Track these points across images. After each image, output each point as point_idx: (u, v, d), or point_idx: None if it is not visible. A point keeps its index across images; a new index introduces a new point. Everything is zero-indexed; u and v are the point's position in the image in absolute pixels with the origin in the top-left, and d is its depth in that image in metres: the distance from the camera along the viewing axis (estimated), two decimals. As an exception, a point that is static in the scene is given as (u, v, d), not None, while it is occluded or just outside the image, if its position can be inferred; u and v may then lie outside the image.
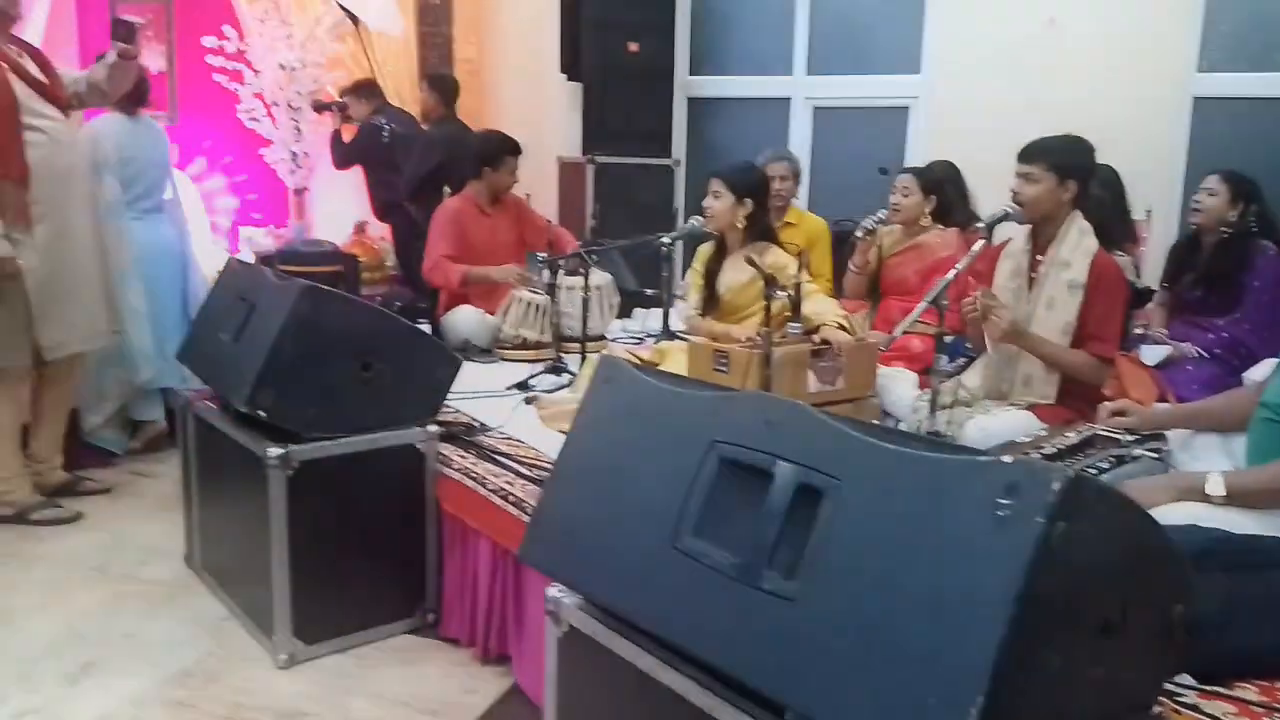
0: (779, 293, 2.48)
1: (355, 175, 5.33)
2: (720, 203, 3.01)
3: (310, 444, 2.35)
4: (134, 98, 3.60)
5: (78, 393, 3.52)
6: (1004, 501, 0.93)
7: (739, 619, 1.12)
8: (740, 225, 3.01)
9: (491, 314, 3.73)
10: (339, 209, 5.76)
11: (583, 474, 1.47)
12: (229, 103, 5.63)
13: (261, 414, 2.31)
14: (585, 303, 3.29)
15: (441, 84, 5.02)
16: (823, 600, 1.04)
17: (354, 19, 5.25)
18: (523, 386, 3.16)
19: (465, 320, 3.67)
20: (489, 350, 3.67)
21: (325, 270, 4.03)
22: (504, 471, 2.45)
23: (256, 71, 5.53)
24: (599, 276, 3.68)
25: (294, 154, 5.64)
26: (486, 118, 5.69)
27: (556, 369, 3.29)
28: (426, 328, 3.48)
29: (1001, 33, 4.69)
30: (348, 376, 2.41)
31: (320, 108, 5.33)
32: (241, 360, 2.43)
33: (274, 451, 2.29)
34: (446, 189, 4.78)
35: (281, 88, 5.53)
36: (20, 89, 3.00)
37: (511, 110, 5.78)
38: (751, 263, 2.58)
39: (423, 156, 4.85)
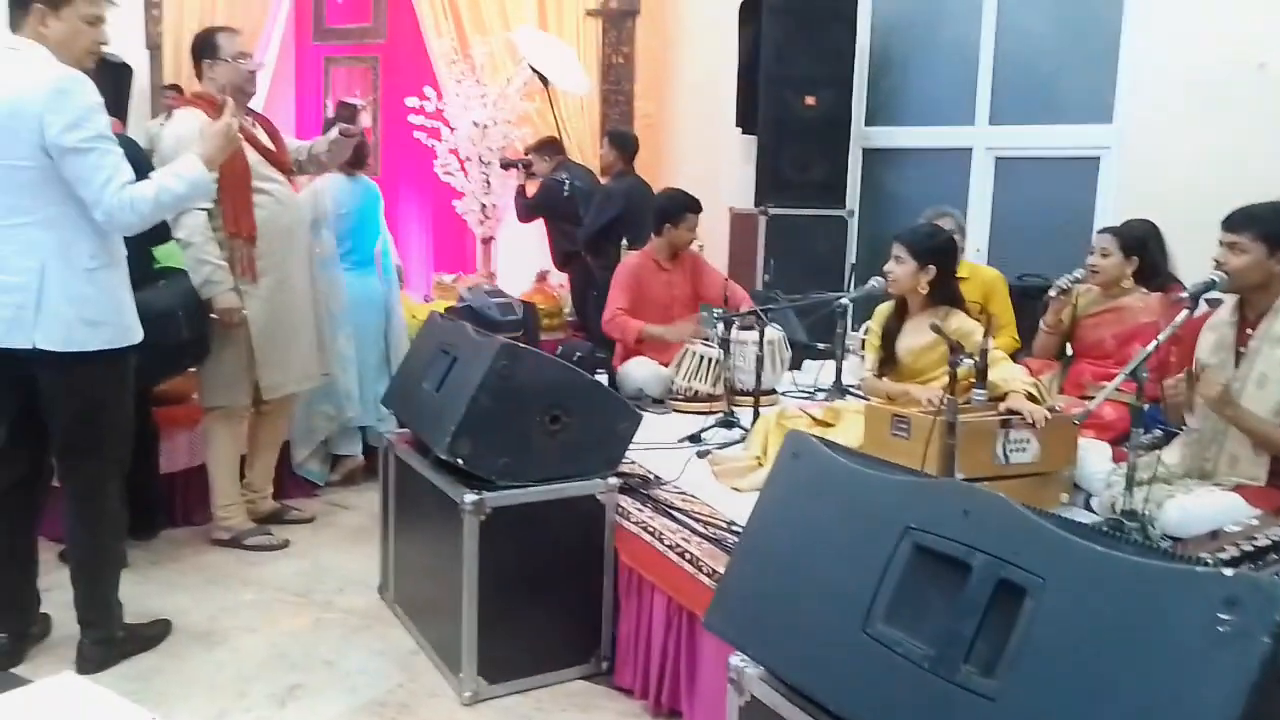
0: (965, 360, 2.44)
1: (537, 226, 5.60)
2: (903, 268, 2.99)
3: (501, 491, 2.49)
4: (354, 160, 3.93)
5: (289, 428, 3.83)
6: (1225, 617, 0.91)
7: (932, 710, 1.13)
8: (923, 290, 2.98)
9: (665, 365, 3.81)
10: (522, 258, 6.05)
11: (770, 548, 1.50)
12: (427, 157, 6.03)
13: (459, 461, 2.47)
14: (759, 360, 3.32)
15: (622, 140, 5.21)
16: (1025, 702, 1.03)
17: (544, 80, 5.53)
18: (695, 439, 3.22)
19: (640, 371, 3.78)
20: (662, 401, 3.76)
21: (509, 320, 4.26)
22: (680, 528, 2.50)
23: (452, 129, 5.90)
24: (772, 331, 3.71)
25: (483, 205, 5.97)
26: (662, 170, 5.85)
27: (728, 423, 3.33)
28: (604, 377, 3.61)
29: (1204, 78, 4.45)
30: (538, 428, 2.54)
31: (507, 165, 5.63)
32: (443, 410, 2.59)
33: (470, 498, 2.43)
34: (624, 241, 4.95)
35: (474, 144, 5.88)
36: (252, 156, 3.33)
37: (686, 163, 5.93)
38: (937, 329, 2.55)
39: (601, 209, 5.03)
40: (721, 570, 2.18)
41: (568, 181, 5.24)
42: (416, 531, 2.86)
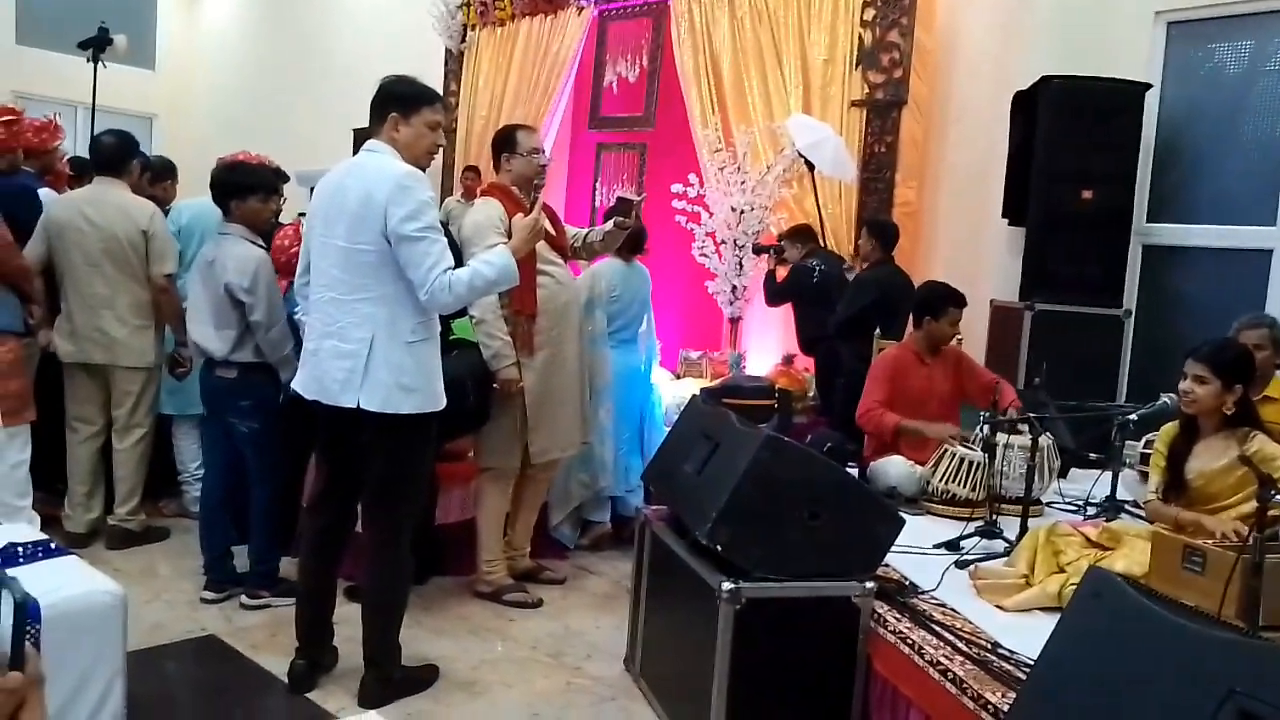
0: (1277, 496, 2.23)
1: (783, 310, 5.66)
2: (1205, 389, 2.78)
3: (758, 583, 2.52)
4: (631, 246, 4.17)
5: (549, 491, 4.05)
6: None
7: None
8: (1228, 411, 2.77)
9: (921, 464, 3.72)
10: (767, 339, 6.12)
11: (1066, 694, 1.44)
12: (684, 239, 6.27)
13: (718, 548, 2.53)
14: (1031, 471, 3.18)
15: (883, 230, 5.20)
16: None
17: (811, 166, 5.63)
18: (953, 546, 3.11)
19: (894, 468, 3.71)
20: (915, 501, 3.66)
21: (761, 404, 4.32)
22: (941, 644, 2.42)
23: (711, 213, 6.11)
24: (1042, 438, 3.54)
25: (734, 287, 6.11)
26: (920, 260, 5.77)
27: (990, 532, 3.20)
28: (854, 471, 3.58)
29: None
30: (796, 523, 2.56)
31: (759, 250, 5.74)
32: (704, 494, 2.67)
33: (727, 586, 2.48)
34: (877, 331, 4.90)
35: (730, 228, 6.06)
36: (539, 244, 3.61)
37: (946, 253, 5.82)
38: (1247, 461, 2.36)
39: (855, 297, 5.02)
40: (987, 695, 2.11)
41: (817, 268, 5.27)
42: (668, 610, 2.94)
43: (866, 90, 5.84)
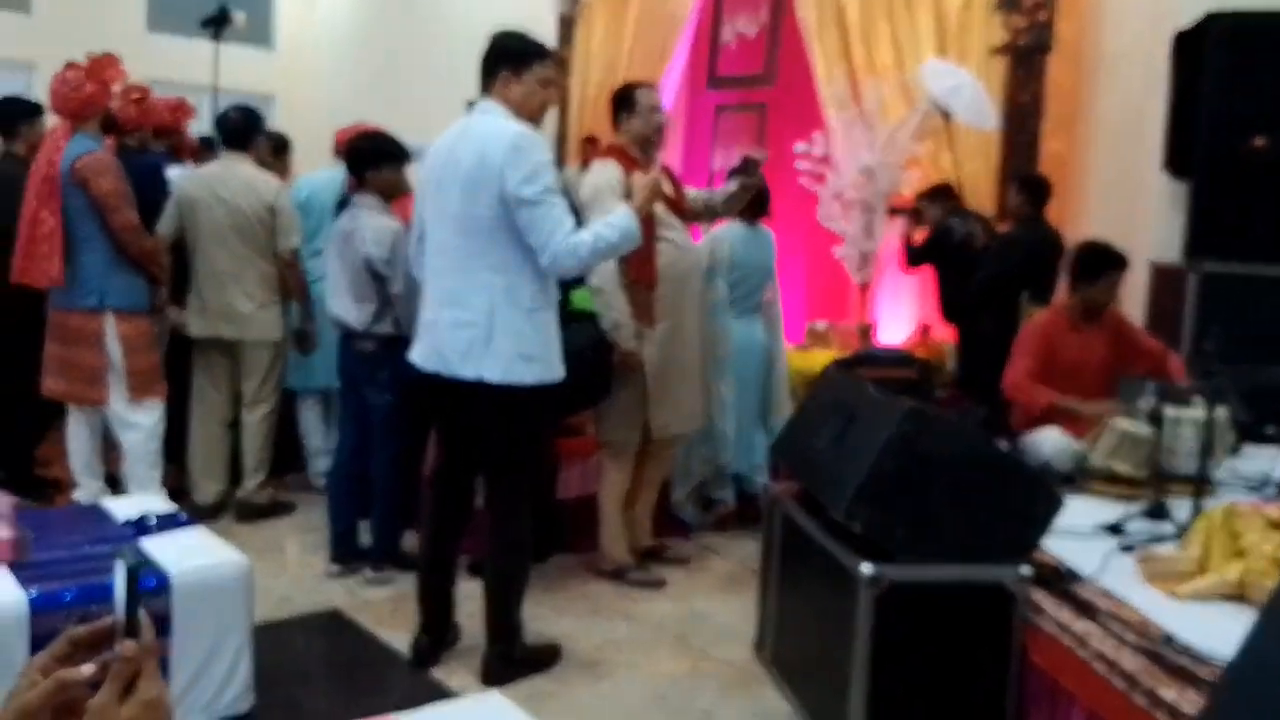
0: None
1: (917, 277, 5.35)
2: None
3: (900, 565, 2.31)
4: (754, 208, 3.97)
5: (671, 468, 3.92)
6: None
7: None
8: None
9: (1078, 437, 3.42)
10: (899, 307, 5.82)
11: (1273, 703, 1.20)
12: (808, 202, 6.00)
13: (856, 527, 2.33)
14: (1206, 446, 2.86)
15: (1033, 186, 4.83)
16: None
17: (947, 116, 5.29)
18: (1116, 530, 2.83)
19: (1048, 443, 3.40)
20: (1072, 479, 3.36)
21: (900, 375, 4.05)
22: (1106, 635, 2.18)
23: (837, 174, 5.82)
24: (1218, 411, 3.19)
25: (863, 252, 5.82)
26: (1069, 217, 5.35)
27: (1157, 513, 2.89)
28: (1004, 445, 3.31)
29: None
30: (943, 501, 2.34)
31: (895, 212, 5.44)
32: (840, 469, 2.48)
33: (867, 570, 2.28)
34: (1024, 295, 4.57)
35: (859, 188, 5.76)
36: (658, 207, 3.46)
37: (1098, 210, 5.38)
38: None
39: (1001, 258, 4.69)
40: (1161, 692, 1.88)
41: (959, 228, 4.95)
42: (800, 593, 2.76)
43: (1007, 35, 5.43)
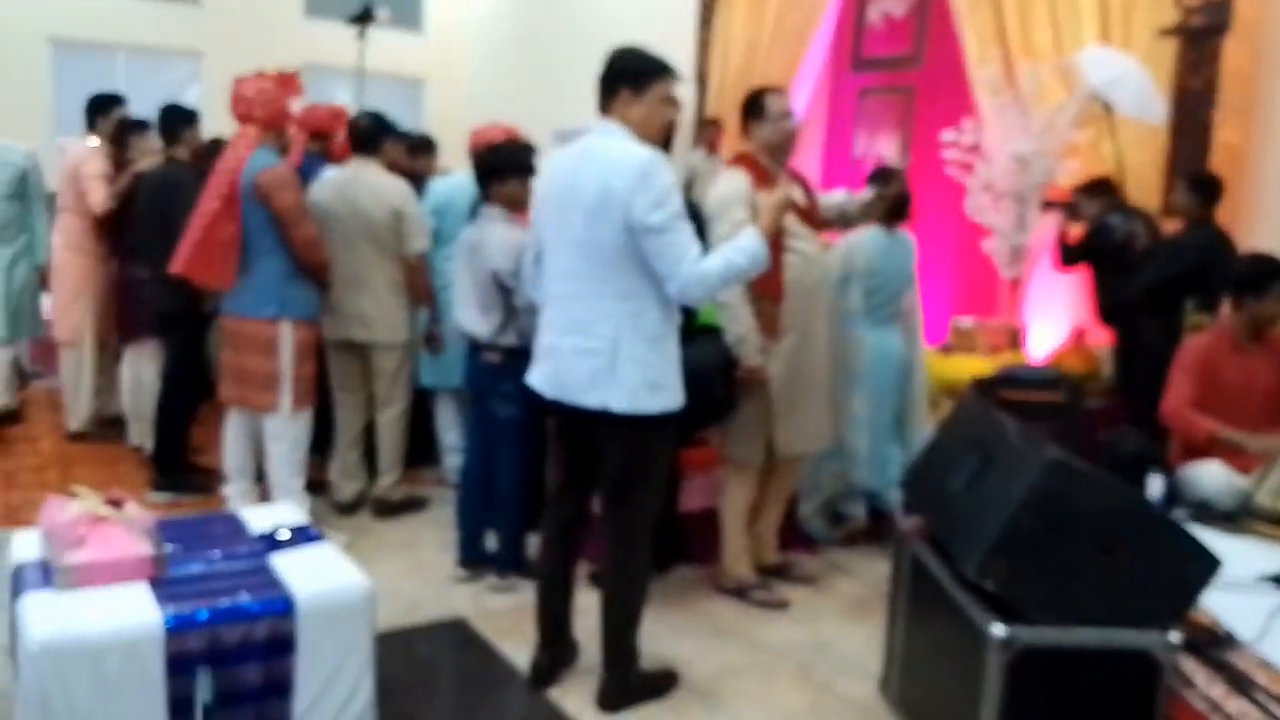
0: None
1: (1072, 276, 5.02)
2: None
3: (1035, 628, 2.17)
4: (893, 213, 3.80)
5: (798, 483, 3.82)
6: None
7: None
8: None
9: (1243, 473, 3.14)
10: (1054, 307, 5.48)
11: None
12: (955, 193, 5.71)
13: (989, 585, 2.20)
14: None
15: (1203, 186, 4.43)
16: None
17: (1108, 106, 4.92)
18: (1283, 583, 2.58)
19: (1210, 478, 3.14)
20: (1233, 517, 3.09)
21: (1046, 399, 3.80)
22: (1265, 717, 1.99)
23: (988, 163, 5.51)
24: None
25: (1014, 246, 5.50)
26: (1243, 217, 4.89)
27: (1336, 566, 2.63)
28: (1157, 483, 3.07)
29: None
30: (1086, 560, 2.18)
31: (1050, 206, 5.11)
32: (973, 520, 2.34)
33: (999, 632, 2.16)
34: (1188, 303, 4.22)
35: (1010, 179, 5.44)
36: (787, 217, 3.33)
37: (1276, 208, 4.90)
38: None
39: (1166, 261, 4.33)
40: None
41: (1120, 227, 4.60)
42: (929, 639, 2.64)
43: (1179, 15, 4.98)
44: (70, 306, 4.75)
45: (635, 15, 8.54)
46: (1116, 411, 4.51)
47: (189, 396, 4.23)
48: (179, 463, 4.20)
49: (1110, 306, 4.72)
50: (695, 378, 3.07)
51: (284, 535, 2.59)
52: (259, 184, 3.46)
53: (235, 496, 3.76)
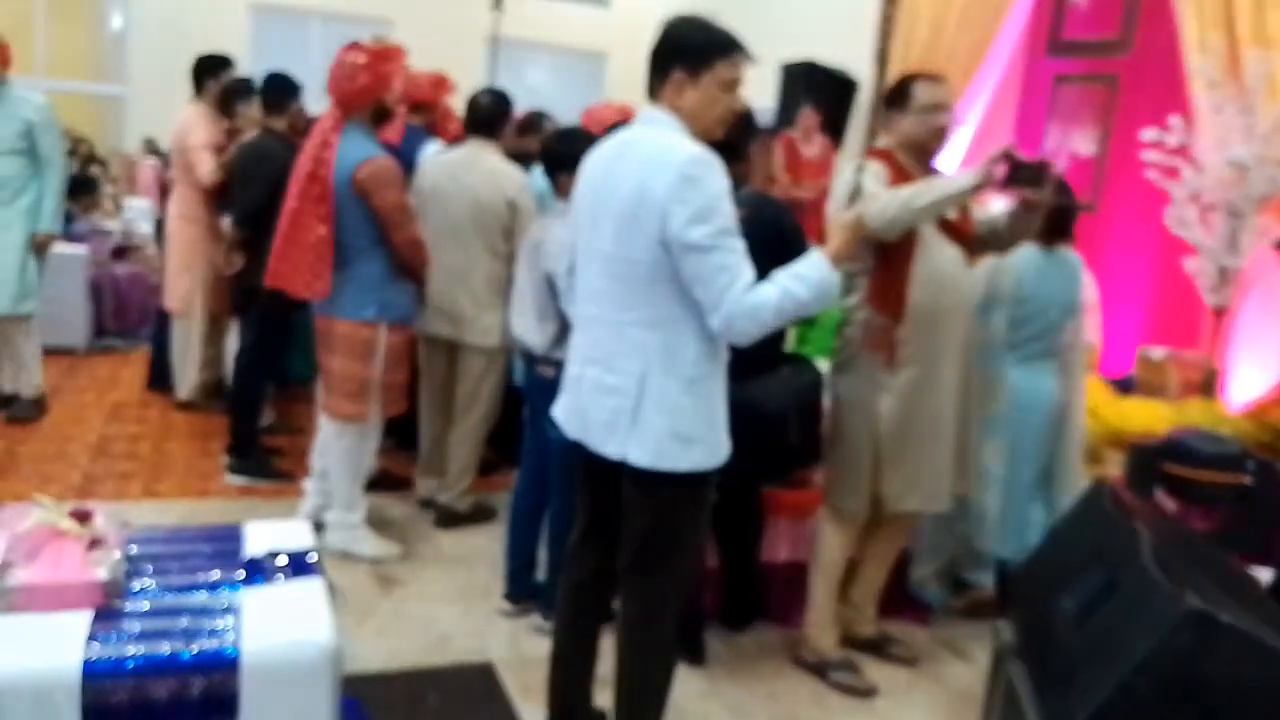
0: None
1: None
2: None
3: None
4: (1056, 230, 3.13)
5: (911, 537, 3.24)
6: None
7: None
8: None
9: None
10: (1267, 344, 4.55)
11: None
12: (1157, 201, 4.85)
13: (1089, 759, 1.63)
14: None
15: None
16: None
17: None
18: None
19: None
20: None
21: (1227, 482, 2.98)
22: None
23: (1198, 170, 4.62)
24: None
25: (1223, 268, 4.60)
26: None
27: None
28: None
29: None
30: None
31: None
32: (1082, 661, 1.76)
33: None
34: None
35: (1224, 189, 4.54)
36: (927, 228, 2.76)
37: None
38: None
39: None
40: None
41: None
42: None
43: None
44: (180, 276, 4.72)
45: (811, -12, 7.98)
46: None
47: (261, 380, 4.08)
48: (251, 446, 4.07)
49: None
50: (765, 420, 2.60)
51: (275, 563, 2.30)
52: (357, 180, 3.16)
53: (311, 494, 3.56)
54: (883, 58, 7.33)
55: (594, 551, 2.34)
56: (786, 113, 7.38)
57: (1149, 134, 4.76)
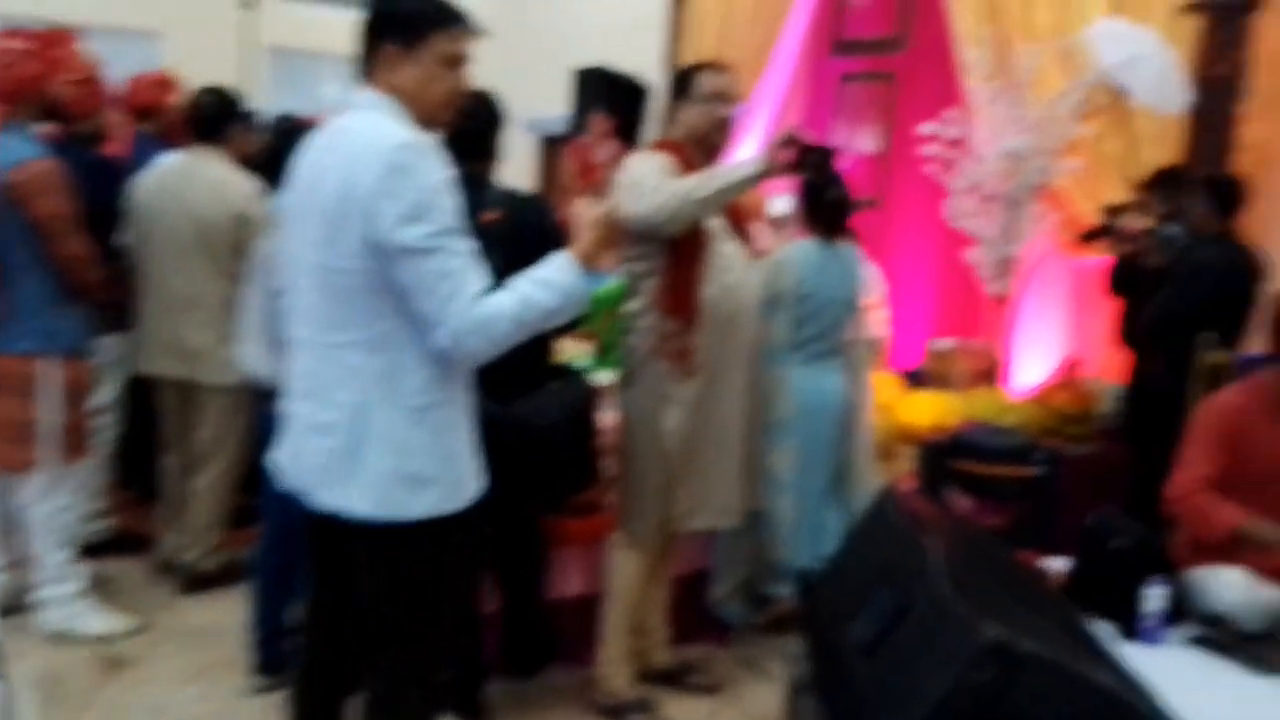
0: None
1: (1067, 296, 4.21)
2: None
3: None
4: (830, 220, 3.00)
5: (706, 556, 3.04)
6: None
7: None
8: None
9: (1275, 581, 2.34)
10: (1045, 330, 4.67)
11: None
12: (938, 196, 4.91)
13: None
14: None
15: (1221, 190, 3.60)
16: None
17: (1119, 93, 4.11)
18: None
19: (1229, 588, 2.34)
20: (1260, 639, 2.28)
21: (1017, 475, 2.92)
22: None
23: (976, 162, 4.70)
24: None
25: (1002, 259, 4.70)
26: (1276, 230, 4.08)
27: None
28: (1160, 592, 2.26)
29: None
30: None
31: (1091, 237, 4.21)
32: (870, 699, 1.55)
33: None
34: (1202, 335, 3.40)
35: (1001, 179, 4.63)
36: (715, 221, 2.60)
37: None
38: None
39: (1189, 286, 3.49)
40: None
41: (1180, 239, 3.69)
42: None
43: (1204, -11, 4.17)
44: None
45: (600, -10, 7.80)
46: (1113, 460, 3.70)
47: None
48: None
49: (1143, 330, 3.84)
50: (535, 439, 2.31)
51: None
52: (13, 185, 2.69)
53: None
54: (673, 61, 7.24)
55: (326, 626, 1.97)
56: (579, 119, 7.19)
57: (927, 128, 4.82)
